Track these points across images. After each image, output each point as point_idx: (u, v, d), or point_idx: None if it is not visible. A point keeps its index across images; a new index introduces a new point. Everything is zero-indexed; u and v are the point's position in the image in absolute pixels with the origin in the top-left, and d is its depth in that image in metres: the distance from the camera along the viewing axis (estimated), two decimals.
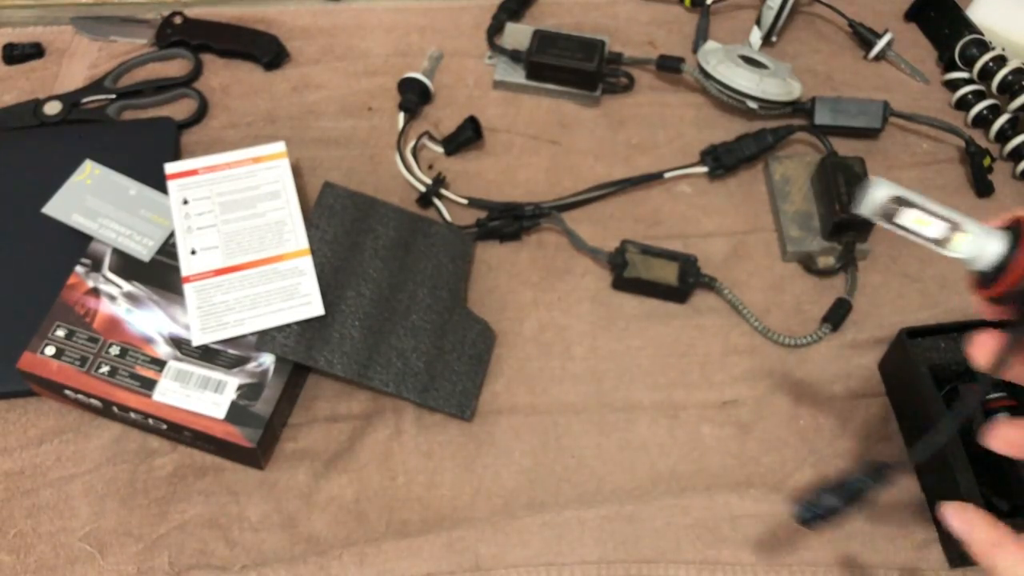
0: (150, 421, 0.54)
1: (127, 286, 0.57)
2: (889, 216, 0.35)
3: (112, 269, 0.57)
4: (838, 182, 0.64)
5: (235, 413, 0.53)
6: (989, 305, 0.36)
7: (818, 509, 0.40)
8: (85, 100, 0.70)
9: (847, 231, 0.63)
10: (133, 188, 0.61)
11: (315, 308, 0.56)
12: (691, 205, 0.68)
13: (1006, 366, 0.35)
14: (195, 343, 0.55)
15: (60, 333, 0.55)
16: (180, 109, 0.72)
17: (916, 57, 0.79)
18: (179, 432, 0.54)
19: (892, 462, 0.39)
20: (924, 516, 0.54)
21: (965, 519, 0.37)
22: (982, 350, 0.36)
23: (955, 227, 0.35)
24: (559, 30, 0.74)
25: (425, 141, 0.71)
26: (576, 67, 0.72)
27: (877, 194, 0.35)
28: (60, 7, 0.79)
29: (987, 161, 0.70)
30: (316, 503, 0.54)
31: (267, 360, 0.55)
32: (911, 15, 0.82)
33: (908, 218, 0.35)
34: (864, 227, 0.63)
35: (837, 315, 0.62)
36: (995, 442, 0.38)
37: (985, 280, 0.36)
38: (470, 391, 0.58)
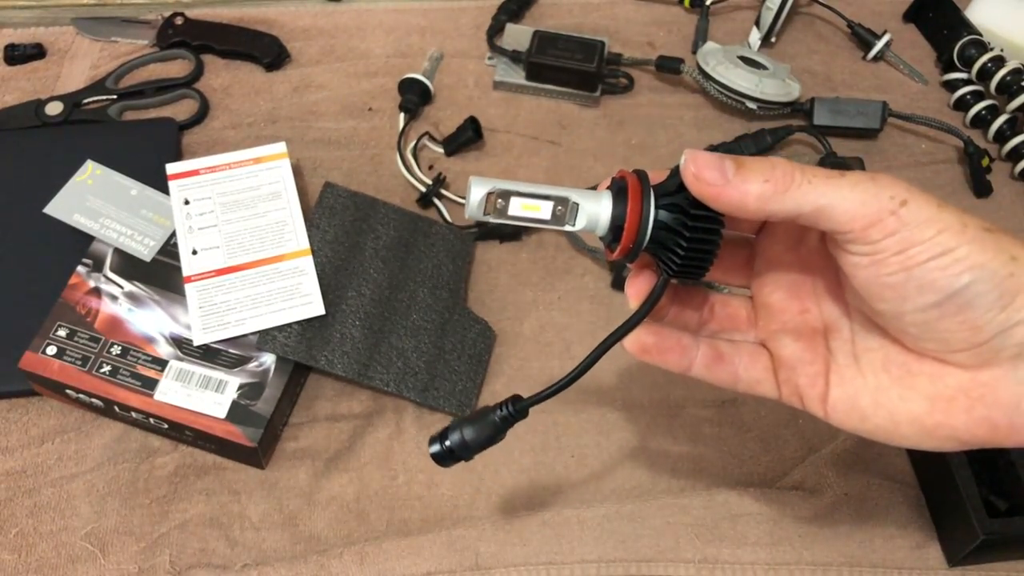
0: (151, 420, 0.54)
1: (128, 286, 0.57)
2: (501, 212, 0.34)
3: (113, 269, 0.58)
4: None
5: (236, 412, 0.53)
6: (630, 264, 0.36)
7: (451, 444, 0.37)
8: (86, 101, 0.71)
9: None
10: (134, 188, 0.61)
11: (316, 308, 0.57)
12: None
13: (655, 304, 0.35)
14: (196, 343, 0.55)
15: (62, 333, 0.55)
16: (181, 110, 0.72)
17: (915, 58, 0.79)
18: (180, 431, 0.54)
19: (529, 396, 0.37)
20: (923, 516, 0.54)
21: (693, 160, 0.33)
22: (633, 290, 0.37)
23: (562, 203, 0.34)
24: (559, 31, 0.74)
25: (425, 141, 0.71)
26: (576, 68, 0.72)
27: (474, 194, 0.33)
28: (62, 8, 0.79)
29: (985, 161, 0.70)
30: (317, 502, 0.54)
31: (268, 360, 0.56)
32: (910, 16, 0.82)
33: (516, 207, 0.34)
34: None
35: None
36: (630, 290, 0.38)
37: (611, 243, 0.35)
38: (470, 390, 0.58)
